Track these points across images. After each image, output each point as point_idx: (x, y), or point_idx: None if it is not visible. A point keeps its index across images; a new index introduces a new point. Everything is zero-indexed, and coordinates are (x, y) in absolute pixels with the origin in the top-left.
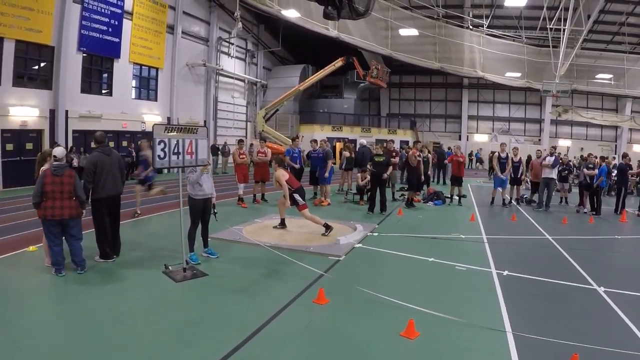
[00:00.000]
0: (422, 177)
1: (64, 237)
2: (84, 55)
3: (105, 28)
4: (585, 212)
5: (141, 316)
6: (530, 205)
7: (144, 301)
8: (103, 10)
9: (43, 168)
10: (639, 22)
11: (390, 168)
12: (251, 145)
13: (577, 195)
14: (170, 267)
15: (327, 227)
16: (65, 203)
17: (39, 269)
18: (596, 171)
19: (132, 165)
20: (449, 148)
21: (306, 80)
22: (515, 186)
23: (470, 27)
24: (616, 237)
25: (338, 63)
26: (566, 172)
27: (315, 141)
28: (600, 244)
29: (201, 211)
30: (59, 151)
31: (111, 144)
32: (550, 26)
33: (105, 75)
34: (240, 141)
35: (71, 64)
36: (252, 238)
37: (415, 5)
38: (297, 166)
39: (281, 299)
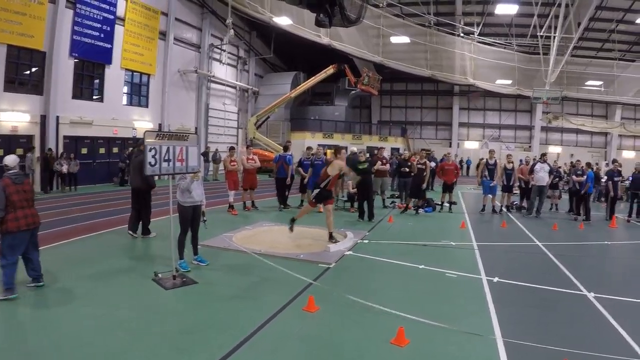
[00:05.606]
0: (424, 184)
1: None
2: (76, 61)
3: (97, 34)
4: (576, 219)
5: (132, 325)
6: (520, 211)
7: (134, 310)
8: (95, 16)
9: None
10: (628, 30)
11: (372, 176)
12: (231, 148)
13: (567, 201)
14: (160, 275)
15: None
16: (33, 211)
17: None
18: (584, 177)
19: (122, 170)
20: (444, 156)
21: (297, 88)
22: (506, 193)
23: (462, 34)
24: (606, 242)
25: (329, 70)
26: (557, 179)
27: (311, 148)
28: (590, 250)
29: (190, 218)
30: (10, 160)
31: (102, 150)
32: (541, 34)
33: (96, 81)
34: (231, 148)
35: (63, 70)
36: (243, 245)
37: (407, 13)
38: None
39: (271, 306)
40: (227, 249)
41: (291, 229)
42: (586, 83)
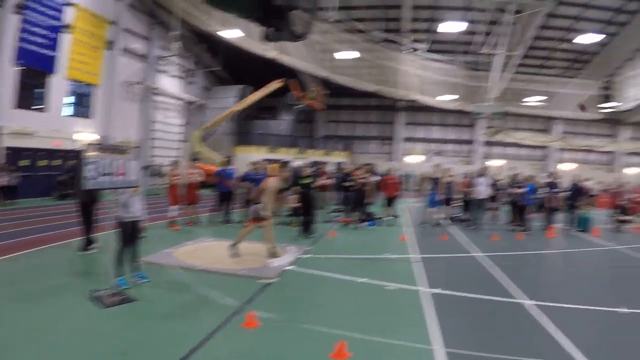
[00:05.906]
0: (369, 198)
1: None
2: (21, 68)
3: (43, 41)
4: (513, 230)
5: (65, 346)
6: (461, 224)
7: (67, 330)
8: (42, 23)
9: None
10: (570, 47)
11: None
12: (174, 162)
13: (507, 213)
14: (97, 293)
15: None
16: None
17: None
18: (523, 189)
19: (63, 183)
20: (387, 170)
21: (242, 102)
22: (447, 206)
23: (410, 48)
24: (544, 251)
25: (275, 85)
26: (497, 191)
27: (256, 162)
28: (529, 259)
29: (130, 234)
30: None
31: (44, 162)
32: (485, 51)
33: (39, 90)
34: (174, 162)
35: (6, 78)
36: (184, 261)
37: (355, 29)
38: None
39: (211, 323)
40: (168, 265)
41: (235, 254)
42: (528, 99)
